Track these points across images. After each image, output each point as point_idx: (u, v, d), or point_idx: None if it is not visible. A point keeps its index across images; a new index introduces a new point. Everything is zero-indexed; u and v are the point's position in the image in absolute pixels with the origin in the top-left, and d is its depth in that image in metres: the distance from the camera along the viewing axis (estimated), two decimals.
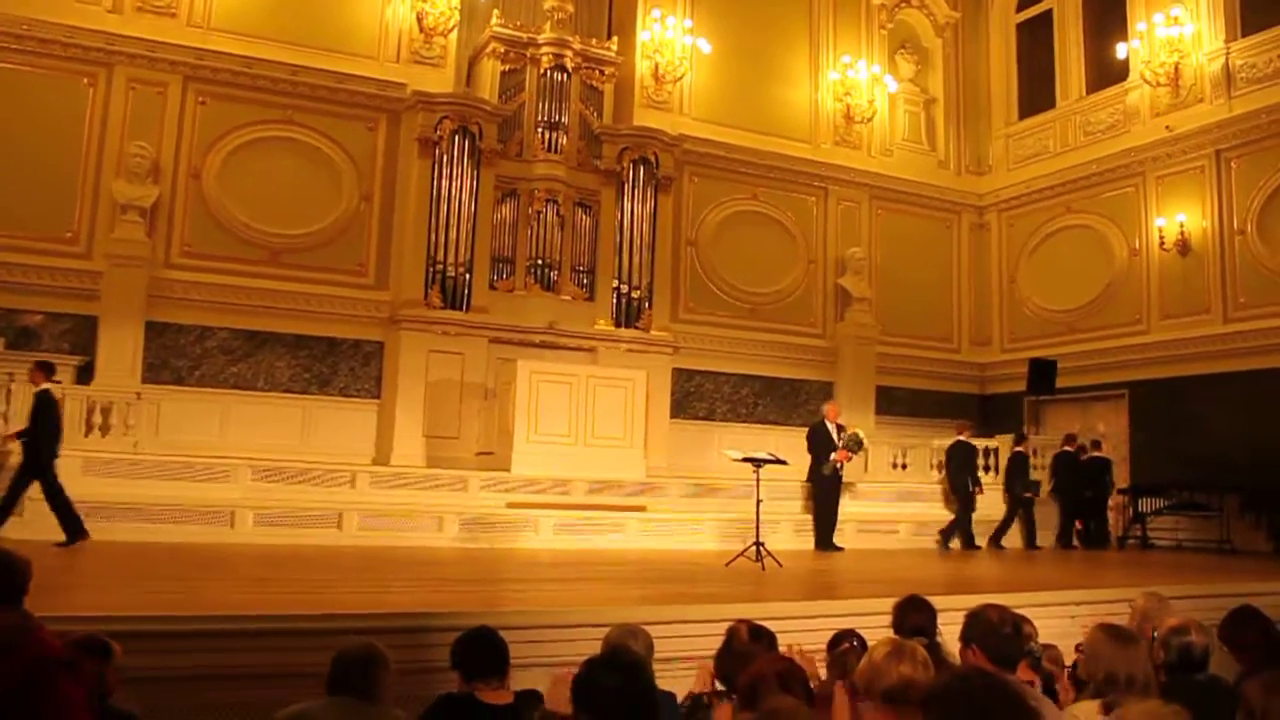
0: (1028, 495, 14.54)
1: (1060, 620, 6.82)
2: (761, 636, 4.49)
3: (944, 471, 14.76)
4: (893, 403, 17.69)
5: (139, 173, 13.20)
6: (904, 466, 15.67)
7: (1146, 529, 15.05)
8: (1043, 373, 15.99)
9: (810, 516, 13.08)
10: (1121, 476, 15.76)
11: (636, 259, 15.40)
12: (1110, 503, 15.28)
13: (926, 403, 18.12)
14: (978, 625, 4.21)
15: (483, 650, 4.26)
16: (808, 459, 13.01)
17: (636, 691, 3.30)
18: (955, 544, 13.74)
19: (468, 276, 14.44)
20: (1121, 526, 15.42)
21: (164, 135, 13.64)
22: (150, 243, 13.26)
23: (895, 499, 14.47)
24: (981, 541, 13.98)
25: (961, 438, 14.57)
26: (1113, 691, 3.63)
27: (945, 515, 14.20)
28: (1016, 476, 14.52)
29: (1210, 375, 15.13)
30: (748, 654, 4.13)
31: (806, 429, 13.66)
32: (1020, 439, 15.08)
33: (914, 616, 4.87)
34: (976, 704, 2.42)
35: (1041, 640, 5.43)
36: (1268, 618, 4.87)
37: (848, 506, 13.47)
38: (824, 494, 12.97)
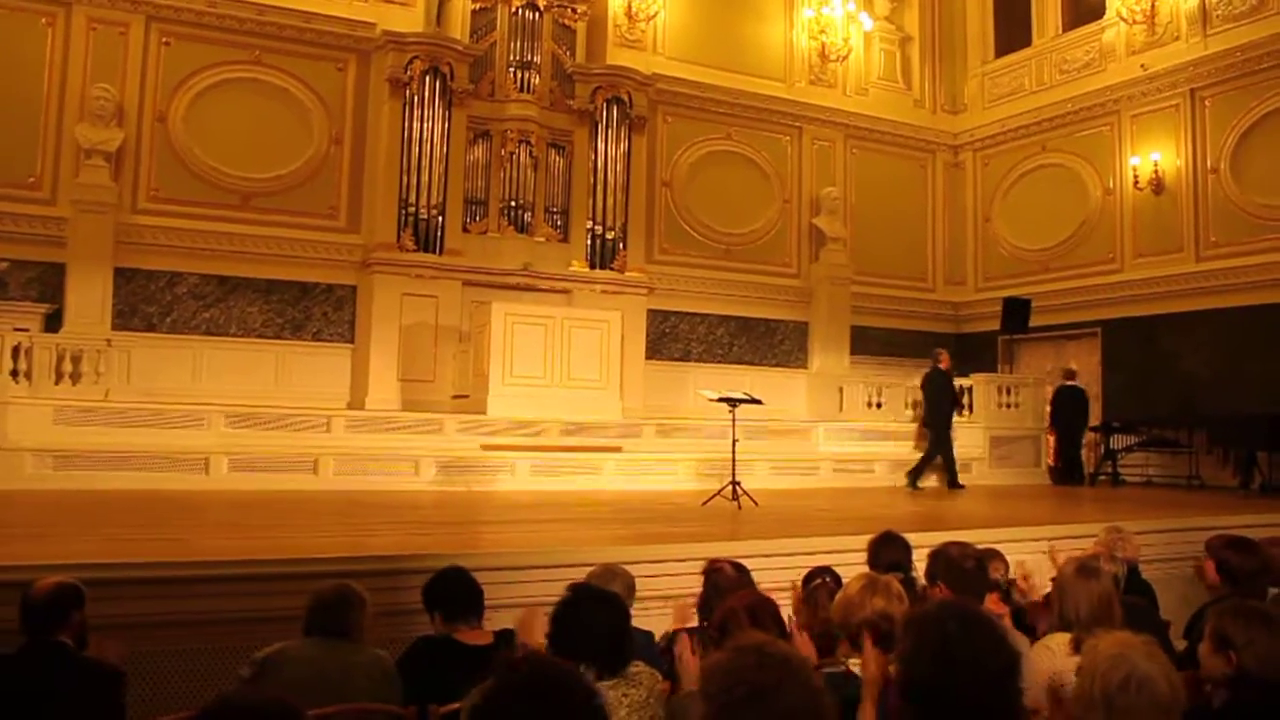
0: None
1: (1035, 556, 6.87)
2: (743, 574, 4.53)
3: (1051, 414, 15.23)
4: (867, 342, 17.70)
5: (102, 116, 12.91)
6: (879, 405, 15.70)
7: (1118, 465, 15.22)
8: (1017, 311, 16.02)
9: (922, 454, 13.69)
10: (1094, 414, 15.89)
11: (611, 200, 15.28)
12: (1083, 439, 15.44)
13: (901, 342, 18.13)
14: (940, 562, 4.30)
15: (456, 590, 4.25)
16: (783, 400, 13.10)
17: (611, 626, 3.32)
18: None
19: (440, 219, 14.30)
20: (1093, 463, 15.58)
21: (127, 77, 13.36)
22: (116, 188, 13.04)
23: (872, 438, 14.53)
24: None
25: (1069, 383, 15.07)
26: (1079, 625, 3.68)
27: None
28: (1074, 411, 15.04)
29: (1182, 314, 15.22)
30: (730, 591, 4.15)
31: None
32: (1070, 374, 15.39)
33: (889, 552, 4.92)
34: (951, 632, 2.44)
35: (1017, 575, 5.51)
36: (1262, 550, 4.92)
37: (822, 446, 13.58)
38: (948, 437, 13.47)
